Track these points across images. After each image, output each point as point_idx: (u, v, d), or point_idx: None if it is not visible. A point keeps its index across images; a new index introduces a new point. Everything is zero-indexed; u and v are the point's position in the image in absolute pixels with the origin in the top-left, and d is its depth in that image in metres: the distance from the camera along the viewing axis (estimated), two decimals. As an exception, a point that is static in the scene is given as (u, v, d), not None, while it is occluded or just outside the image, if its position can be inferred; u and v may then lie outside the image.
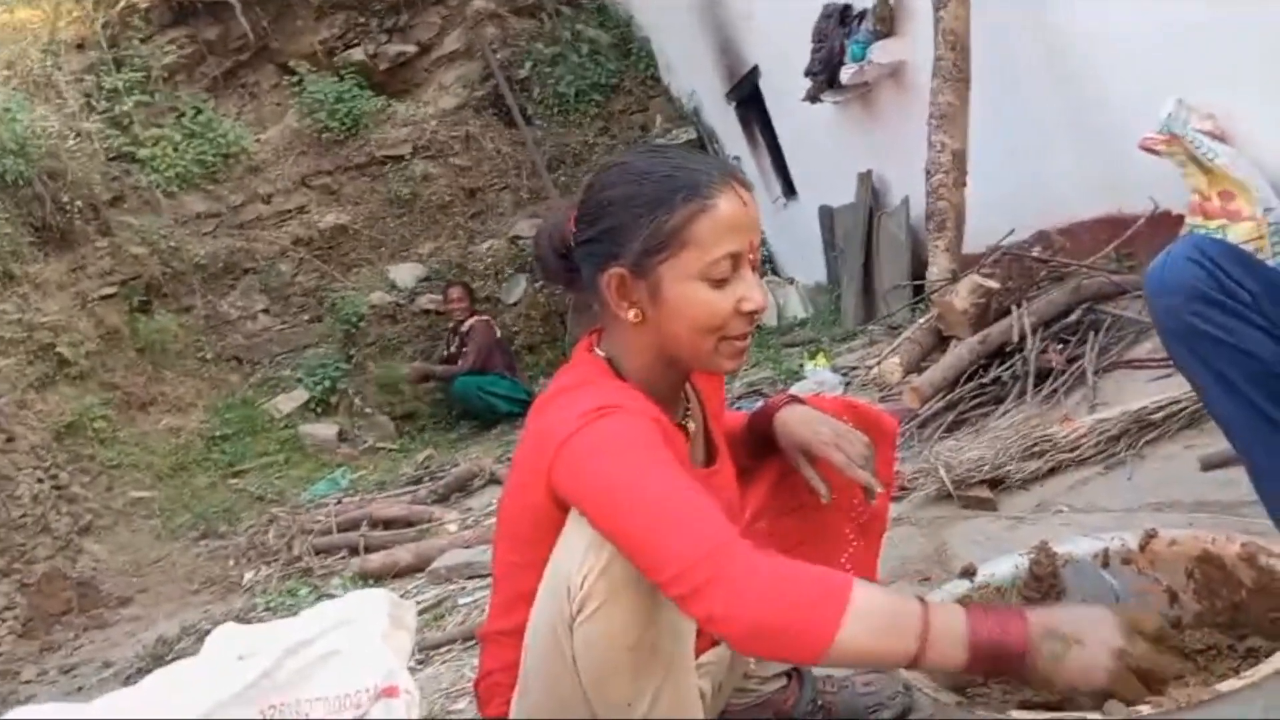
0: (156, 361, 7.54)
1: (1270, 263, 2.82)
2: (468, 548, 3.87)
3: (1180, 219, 3.74)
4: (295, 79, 8.79)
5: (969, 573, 1.47)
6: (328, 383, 7.89)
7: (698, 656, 1.49)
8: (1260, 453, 1.41)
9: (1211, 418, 1.47)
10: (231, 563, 4.84)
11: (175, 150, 8.23)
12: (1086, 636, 1.12)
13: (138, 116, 8.15)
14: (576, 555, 1.25)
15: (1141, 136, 3.72)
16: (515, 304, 8.64)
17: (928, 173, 4.72)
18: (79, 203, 7.40)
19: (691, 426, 1.54)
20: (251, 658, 1.21)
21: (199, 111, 8.47)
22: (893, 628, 1.13)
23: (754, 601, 1.11)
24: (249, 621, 2.85)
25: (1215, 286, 1.37)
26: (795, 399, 1.72)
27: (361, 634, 1.20)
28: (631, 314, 1.39)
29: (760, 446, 1.70)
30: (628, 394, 1.36)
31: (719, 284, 1.36)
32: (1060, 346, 3.36)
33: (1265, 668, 1.03)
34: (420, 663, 2.81)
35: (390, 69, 9.22)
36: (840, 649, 1.11)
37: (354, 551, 4.36)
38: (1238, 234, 3.35)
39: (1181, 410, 2.58)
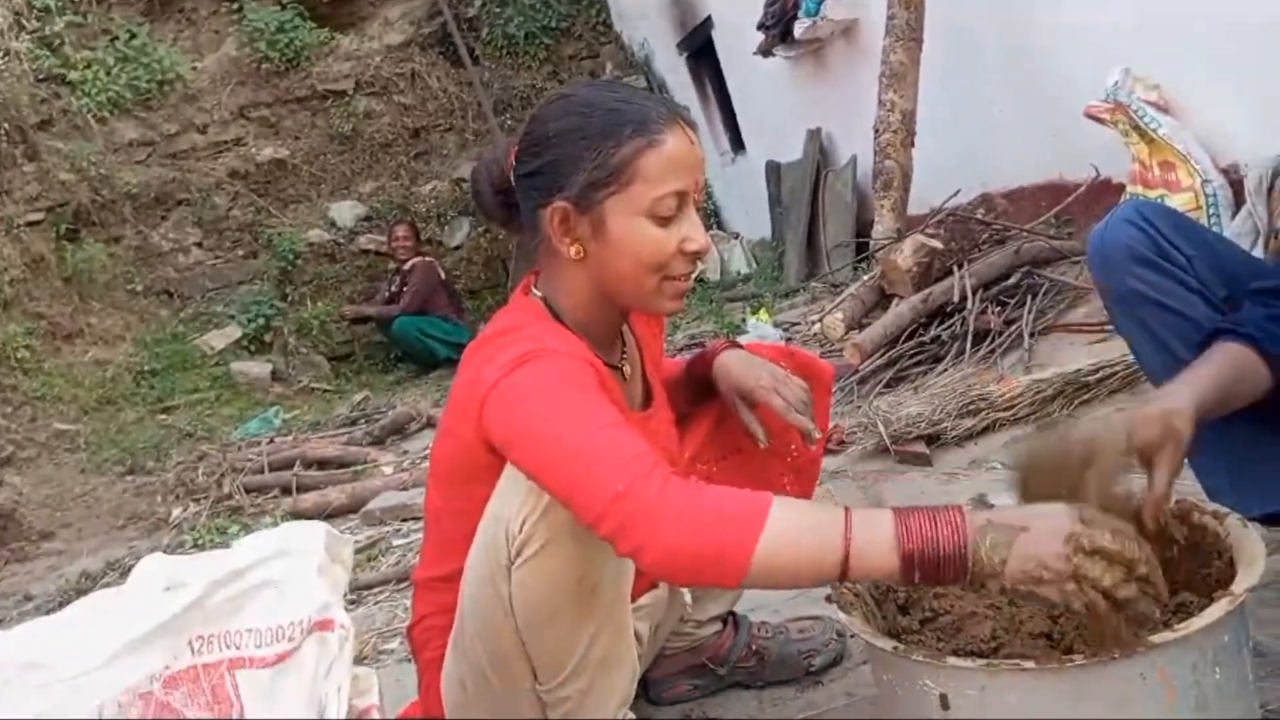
0: (84, 292, 7.31)
1: (1207, 232, 2.87)
2: (403, 490, 3.84)
3: (1120, 188, 3.80)
4: (235, 6, 8.51)
5: (984, 503, 1.47)
6: (262, 320, 7.74)
7: (636, 598, 1.50)
8: None
9: (1146, 376, 1.49)
10: (159, 499, 4.75)
11: (108, 74, 7.93)
12: (1033, 523, 1.03)
13: (69, 37, 7.83)
14: (515, 499, 1.24)
15: (1088, 104, 3.77)
16: (458, 247, 8.53)
17: (876, 131, 4.73)
18: (5, 125, 7.12)
19: (628, 369, 1.53)
20: (180, 588, 1.18)
21: (133, 35, 8.16)
22: (813, 541, 1.07)
23: (671, 528, 1.10)
24: (177, 557, 2.80)
25: (1153, 249, 1.39)
26: (734, 344, 1.72)
27: (297, 566, 1.17)
28: (573, 249, 1.36)
29: (699, 391, 1.70)
30: (561, 337, 1.34)
31: (663, 222, 1.33)
32: (999, 308, 3.42)
33: (1196, 622, 1.05)
34: (353, 603, 2.79)
35: (334, 1, 8.95)
36: (760, 567, 1.07)
37: (286, 491, 4.30)
38: (1176, 203, 3.42)
39: (1114, 374, 2.64)
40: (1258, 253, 3.05)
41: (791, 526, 1.09)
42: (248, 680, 1.11)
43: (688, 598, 1.73)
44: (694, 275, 1.41)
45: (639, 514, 1.12)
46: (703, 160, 1.39)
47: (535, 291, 1.44)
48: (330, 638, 1.16)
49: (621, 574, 1.30)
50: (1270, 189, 3.15)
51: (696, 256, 1.37)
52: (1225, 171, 3.45)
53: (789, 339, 4.15)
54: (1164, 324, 1.40)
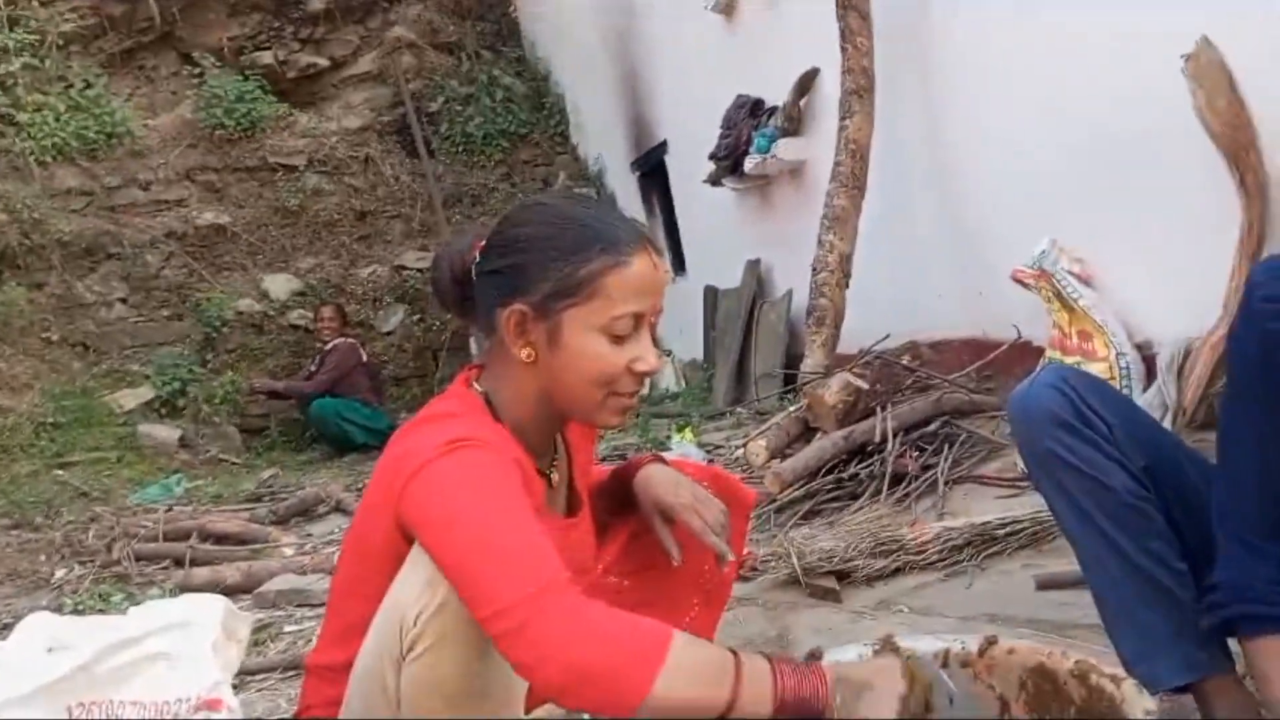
0: (-4, 334, 7.09)
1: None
2: (302, 574, 3.72)
3: (1040, 351, 3.96)
4: (197, 70, 8.54)
5: (815, 656, 1.48)
6: (177, 384, 7.55)
7: (530, 711, 1.46)
8: (1102, 578, 1.47)
9: (1065, 538, 1.53)
10: (43, 558, 4.52)
11: (57, 120, 7.86)
12: (875, 682, 1.20)
13: (23, 79, 7.76)
14: (414, 590, 1.22)
15: (1014, 268, 3.94)
16: (389, 333, 8.48)
17: (814, 269, 4.87)
18: (-58, 156, 6.98)
19: (555, 477, 1.53)
20: (64, 651, 1.13)
21: (89, 85, 8.13)
22: (707, 681, 1.14)
23: (570, 648, 1.10)
24: (55, 620, 2.66)
25: (1075, 415, 1.44)
26: (659, 459, 1.73)
27: (192, 640, 1.13)
28: (525, 353, 1.37)
29: (620, 502, 1.70)
30: (496, 433, 1.35)
31: (618, 340, 1.36)
32: (917, 453, 3.48)
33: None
34: (235, 687, 2.67)
35: (298, 78, 9.06)
36: (655, 700, 1.10)
37: (179, 563, 4.13)
38: (1091, 372, 3.56)
39: (1023, 530, 2.70)
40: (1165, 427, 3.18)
41: (689, 665, 1.13)
42: (125, 755, 1.06)
43: (585, 716, 1.69)
44: (639, 394, 1.44)
45: (538, 625, 1.11)
46: (664, 285, 1.43)
47: (476, 386, 1.44)
48: (216, 719, 1.12)
49: (513, 683, 1.27)
50: (1180, 369, 3.30)
51: (644, 377, 1.40)
52: (1139, 346, 3.62)
53: (711, 460, 4.17)
54: (1081, 489, 1.44)
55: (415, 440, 1.31)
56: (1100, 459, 1.42)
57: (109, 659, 1.08)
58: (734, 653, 1.18)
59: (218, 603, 1.17)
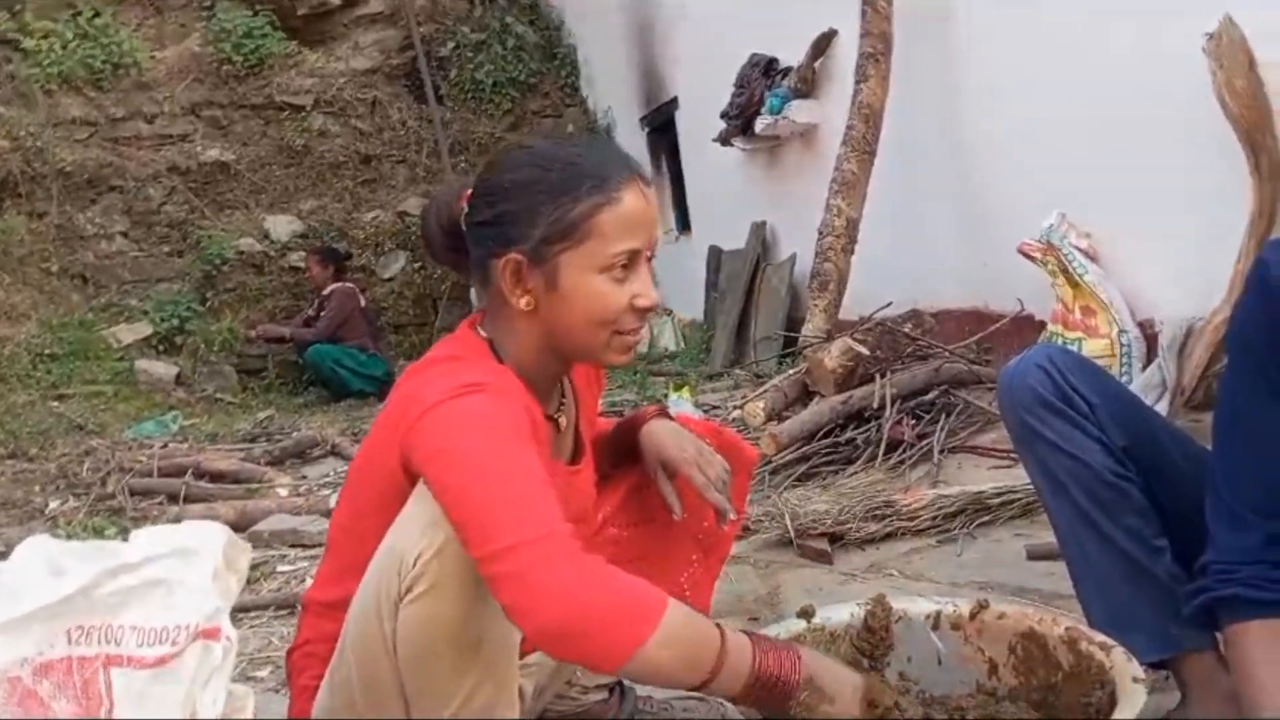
0: (-4, 263, 7.07)
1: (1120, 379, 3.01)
2: (296, 514, 3.74)
3: (1042, 324, 3.96)
4: (206, 3, 8.44)
5: (807, 614, 1.49)
6: (176, 321, 7.54)
7: (525, 656, 1.47)
8: (1079, 552, 1.49)
9: (1045, 513, 1.55)
10: (37, 488, 4.54)
11: (64, 48, 7.77)
12: (838, 698, 1.22)
13: (31, 5, 7.67)
14: (414, 532, 1.22)
15: (1021, 241, 3.93)
16: (390, 279, 8.46)
17: (820, 234, 4.85)
18: (-56, 80, 6.91)
19: (563, 421, 1.53)
20: (65, 575, 1.13)
21: (97, 14, 8.03)
22: (692, 654, 1.16)
23: (565, 598, 1.10)
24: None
25: (1058, 394, 1.46)
26: (664, 413, 1.73)
27: (192, 567, 1.13)
28: (524, 301, 1.36)
29: (623, 455, 1.70)
30: (504, 377, 1.34)
31: (617, 278, 1.35)
32: (914, 421, 3.49)
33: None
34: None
35: (307, 16, 8.94)
36: (639, 663, 1.12)
37: (173, 499, 4.15)
38: (1092, 349, 3.56)
39: (1015, 500, 2.71)
40: (1163, 407, 3.19)
41: (678, 635, 1.14)
42: (122, 679, 1.06)
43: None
44: (643, 329, 1.43)
45: (534, 572, 1.11)
46: (657, 217, 1.42)
47: (481, 330, 1.44)
48: (215, 647, 1.12)
49: (510, 630, 1.28)
50: (1181, 349, 3.30)
51: (647, 313, 1.39)
52: (1141, 325, 3.62)
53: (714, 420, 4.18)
54: (1061, 466, 1.46)
55: (424, 382, 1.31)
56: (1079, 437, 1.45)
57: (108, 583, 1.08)
58: (720, 632, 1.19)
59: (219, 531, 1.17)
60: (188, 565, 1.12)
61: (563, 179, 1.34)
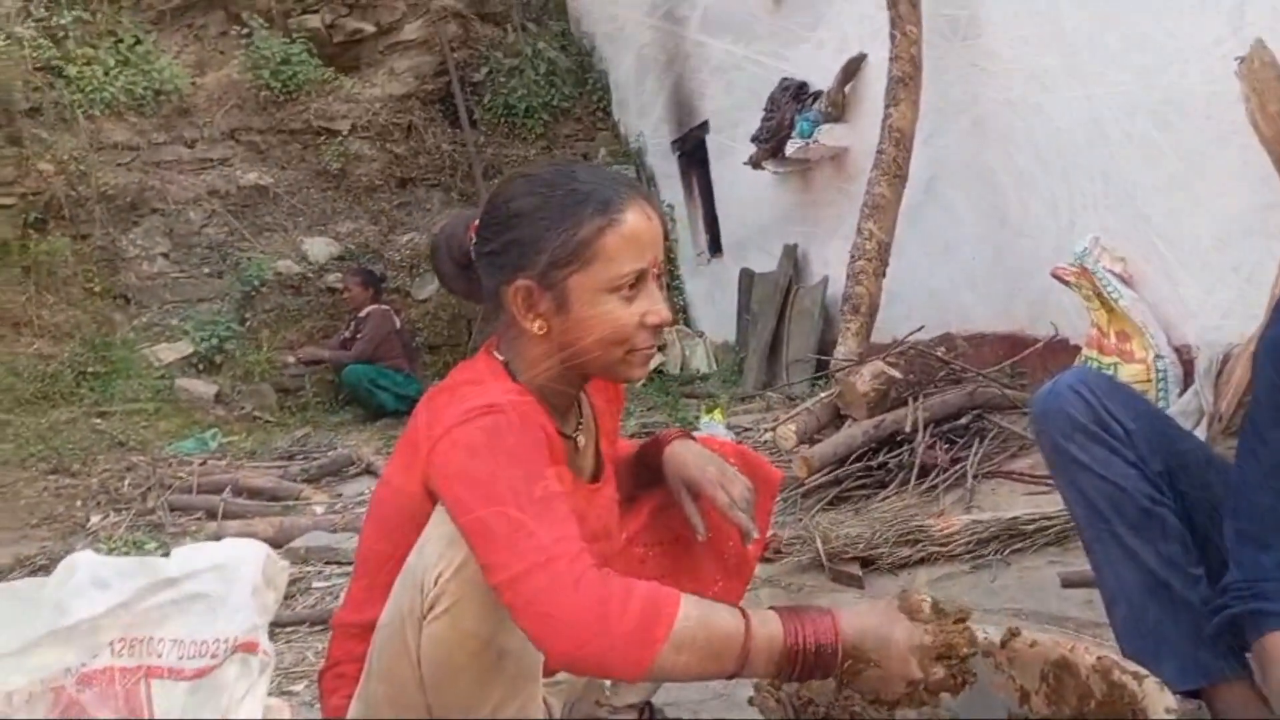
0: (41, 284, 7.20)
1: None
2: (332, 532, 3.78)
3: (1076, 349, 3.93)
4: (245, 30, 8.59)
5: None
6: (215, 340, 7.64)
7: (552, 673, 1.48)
8: (1113, 579, 1.48)
9: (1079, 539, 1.54)
10: (79, 503, 4.62)
11: (106, 74, 7.94)
12: (885, 661, 1.20)
13: (74, 33, 7.85)
14: (434, 551, 1.24)
15: (1055, 265, 3.91)
16: (425, 300, 8.53)
17: (852, 257, 4.85)
18: (-7, 105, 7.08)
19: (581, 440, 1.54)
20: (109, 589, 1.16)
21: (138, 41, 8.20)
22: (713, 654, 1.16)
23: (571, 627, 1.12)
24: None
25: (1093, 419, 1.45)
26: (688, 435, 1.74)
27: (231, 583, 1.16)
28: (536, 325, 1.39)
29: (647, 476, 1.71)
30: (521, 398, 1.36)
31: (626, 297, 1.37)
32: (947, 446, 3.48)
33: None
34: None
35: (344, 43, 9.08)
36: (661, 666, 1.14)
37: (212, 515, 4.21)
38: (1128, 374, 3.53)
39: (1050, 527, 2.69)
40: (1200, 433, 3.15)
41: (695, 635, 1.14)
42: (163, 691, 1.09)
43: (606, 681, 1.71)
44: (658, 344, 1.45)
45: (545, 597, 1.13)
46: (661, 235, 1.43)
47: (497, 354, 1.46)
48: (253, 661, 1.15)
49: (531, 645, 1.30)
50: (1219, 374, 3.27)
51: (659, 328, 1.41)
52: (1178, 350, 3.58)
53: (740, 443, 4.18)
54: (1098, 491, 1.45)
55: (443, 406, 1.33)
56: (1117, 462, 1.43)
57: (150, 597, 1.11)
58: (745, 617, 1.19)
59: (258, 548, 1.20)
60: (227, 581, 1.15)
61: (566, 203, 1.37)
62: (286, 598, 3.15)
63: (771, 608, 1.22)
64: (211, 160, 8.36)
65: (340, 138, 8.64)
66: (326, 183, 8.59)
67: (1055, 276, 3.90)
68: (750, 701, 1.33)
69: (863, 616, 1.24)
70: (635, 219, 1.37)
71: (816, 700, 1.41)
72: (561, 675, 1.58)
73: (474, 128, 8.93)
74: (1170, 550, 1.43)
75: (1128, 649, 1.46)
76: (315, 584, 3.28)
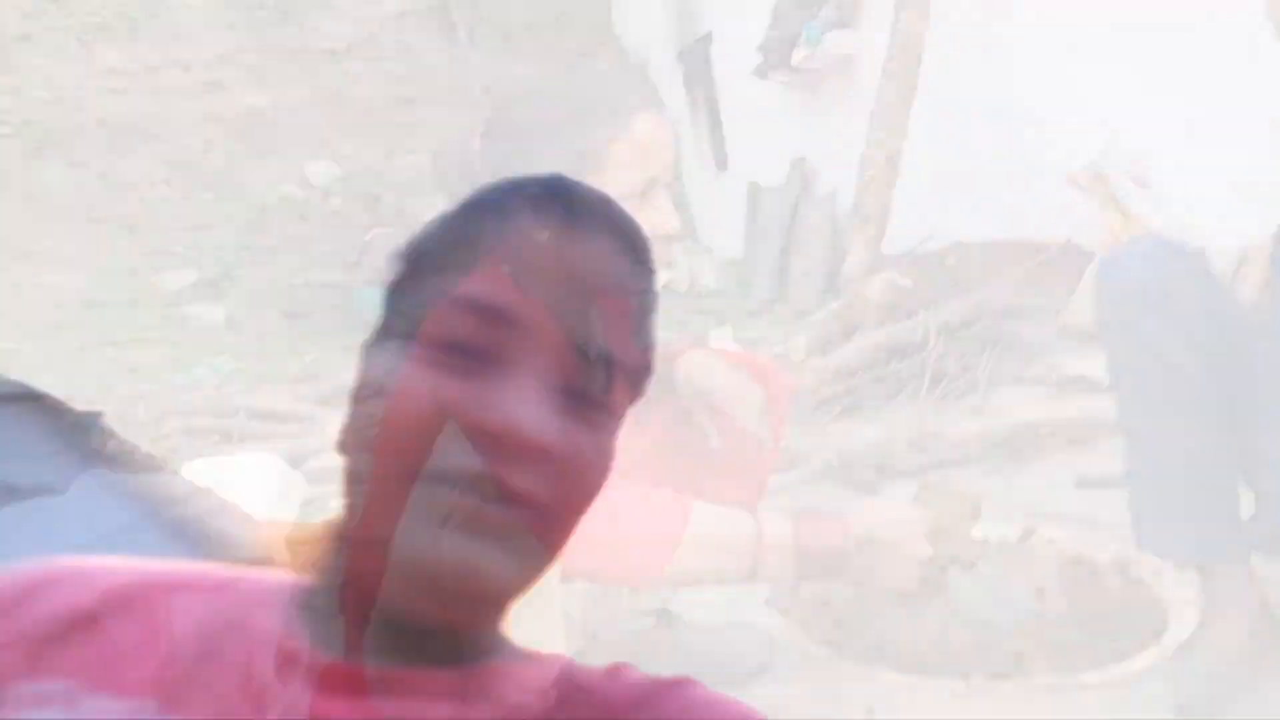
0: (42, 213, 7.16)
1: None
2: (345, 452, 3.79)
3: (1091, 255, 3.88)
4: (237, -52, 8.40)
5: None
6: (222, 267, 7.60)
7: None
8: (1143, 455, 1.47)
9: (1118, 410, 1.50)
10: (92, 431, 4.64)
11: (99, -4, 7.80)
12: (898, 546, 1.23)
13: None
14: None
15: (1069, 170, 3.85)
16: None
17: (861, 168, 4.78)
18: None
19: None
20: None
21: (130, -40, 8.02)
22: (726, 557, 1.20)
23: (589, 531, 1.11)
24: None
25: (1158, 289, 1.41)
26: (699, 345, 1.73)
27: (247, 499, 1.16)
28: None
29: (660, 385, 1.70)
30: None
31: (634, 207, 1.35)
32: (959, 353, 3.47)
33: (1128, 666, 1.08)
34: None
35: (339, -42, 8.88)
36: (674, 575, 1.20)
37: (226, 439, 4.24)
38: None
39: (1065, 430, 2.69)
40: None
41: (708, 534, 1.15)
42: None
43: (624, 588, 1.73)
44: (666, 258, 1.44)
45: None
46: (671, 142, 1.41)
47: None
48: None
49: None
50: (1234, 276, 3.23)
51: (669, 239, 1.39)
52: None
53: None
54: (1149, 358, 1.41)
55: None
56: (1175, 341, 1.40)
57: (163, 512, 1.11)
58: (758, 518, 1.24)
59: (274, 462, 1.20)
60: (242, 497, 1.15)
61: (573, 111, 1.34)
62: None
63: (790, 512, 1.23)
64: (208, 83, 8.23)
65: (337, 57, 8.48)
66: (325, 105, 8.46)
67: (1070, 182, 3.84)
68: (768, 602, 1.34)
69: (871, 511, 1.25)
70: (644, 127, 1.34)
71: (834, 601, 1.42)
72: (580, 583, 1.59)
73: (472, 43, 8.76)
74: (1206, 423, 1.41)
75: (1144, 516, 1.45)
76: (330, 503, 3.31)
